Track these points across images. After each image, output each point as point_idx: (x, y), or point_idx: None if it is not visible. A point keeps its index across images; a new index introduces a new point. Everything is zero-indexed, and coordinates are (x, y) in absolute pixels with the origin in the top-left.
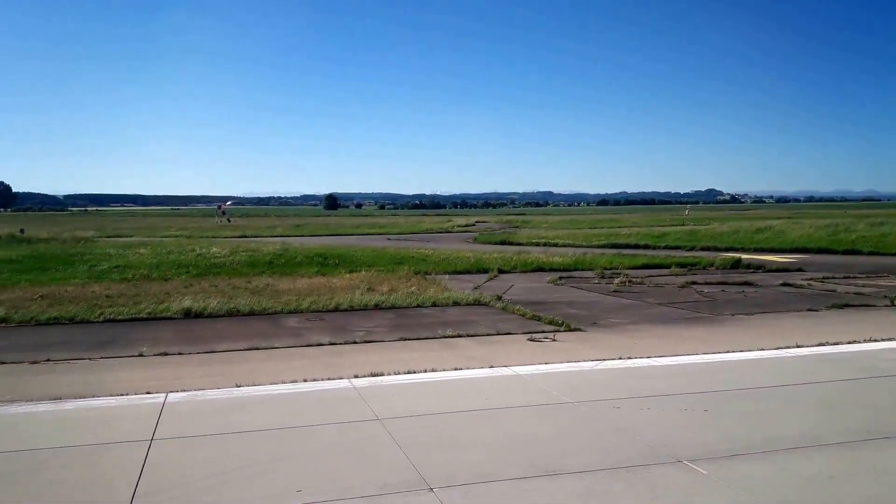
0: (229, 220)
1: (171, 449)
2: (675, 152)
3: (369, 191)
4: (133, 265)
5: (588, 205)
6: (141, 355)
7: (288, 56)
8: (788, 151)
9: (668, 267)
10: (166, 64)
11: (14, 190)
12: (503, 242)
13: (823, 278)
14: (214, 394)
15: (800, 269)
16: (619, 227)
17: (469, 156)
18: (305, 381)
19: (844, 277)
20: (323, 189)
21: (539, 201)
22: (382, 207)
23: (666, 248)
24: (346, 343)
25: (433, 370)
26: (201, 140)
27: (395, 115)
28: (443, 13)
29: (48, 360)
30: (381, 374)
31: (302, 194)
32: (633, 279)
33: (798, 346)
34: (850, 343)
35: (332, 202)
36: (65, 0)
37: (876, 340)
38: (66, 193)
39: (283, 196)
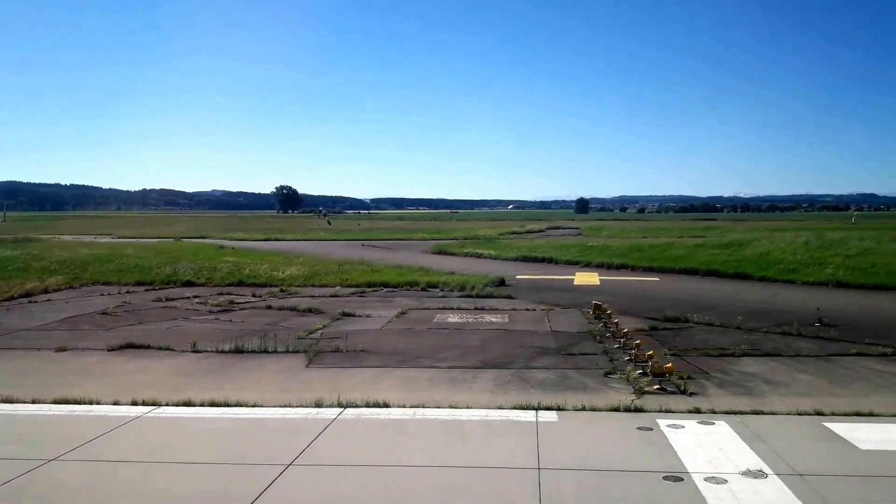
0: (329, 223)
1: None
2: None
3: (660, 193)
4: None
5: None
6: None
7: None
8: None
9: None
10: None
11: (300, 193)
12: (440, 252)
13: None
14: None
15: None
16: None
17: (780, 152)
18: None
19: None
20: (614, 192)
21: (846, 204)
22: (641, 211)
23: (566, 263)
24: None
25: None
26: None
27: (690, 109)
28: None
29: None
30: None
31: (593, 197)
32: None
33: None
34: None
35: (583, 206)
36: None
37: None
38: (372, 197)
39: (564, 200)
